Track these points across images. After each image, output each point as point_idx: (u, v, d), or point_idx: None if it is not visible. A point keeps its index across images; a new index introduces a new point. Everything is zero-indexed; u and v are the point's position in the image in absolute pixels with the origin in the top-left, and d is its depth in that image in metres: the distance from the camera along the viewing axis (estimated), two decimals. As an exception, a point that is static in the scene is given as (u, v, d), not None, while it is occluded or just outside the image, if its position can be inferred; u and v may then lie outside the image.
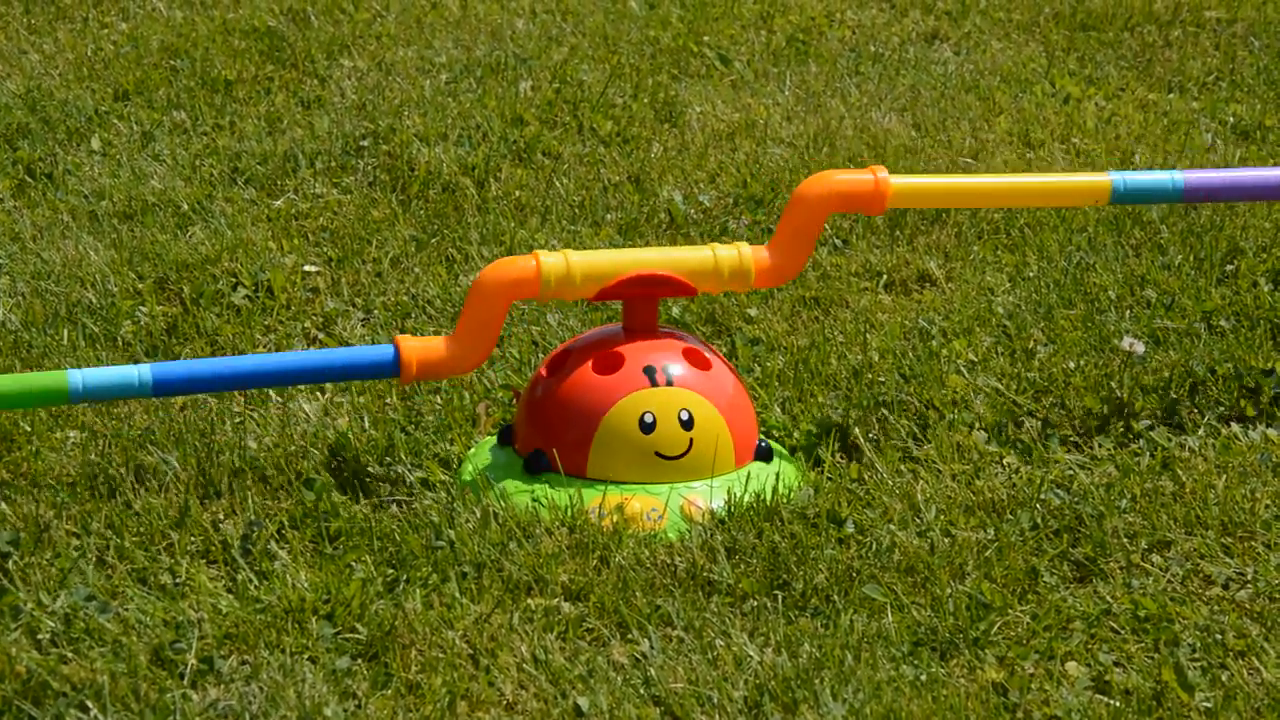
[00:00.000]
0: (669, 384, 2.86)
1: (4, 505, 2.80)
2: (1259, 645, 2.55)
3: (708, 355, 2.94)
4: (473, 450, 3.03)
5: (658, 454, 2.86)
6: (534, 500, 2.83)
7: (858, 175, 3.02)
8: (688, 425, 2.86)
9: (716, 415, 2.88)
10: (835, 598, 2.64)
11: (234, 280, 3.65)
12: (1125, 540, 2.79)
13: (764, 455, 2.95)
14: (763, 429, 3.10)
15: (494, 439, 3.02)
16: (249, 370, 2.89)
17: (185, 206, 4.03)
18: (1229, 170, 3.16)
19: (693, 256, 2.94)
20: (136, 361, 3.31)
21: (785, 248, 2.98)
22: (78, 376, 2.81)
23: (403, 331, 3.44)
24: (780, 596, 2.64)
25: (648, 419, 2.86)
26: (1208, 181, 3.14)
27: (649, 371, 2.87)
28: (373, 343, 3.39)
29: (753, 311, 3.56)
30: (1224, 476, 2.96)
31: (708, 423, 2.87)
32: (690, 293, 2.94)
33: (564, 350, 2.95)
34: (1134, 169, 4.38)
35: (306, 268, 3.71)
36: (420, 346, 2.92)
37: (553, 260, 2.90)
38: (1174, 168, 4.37)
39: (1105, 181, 3.13)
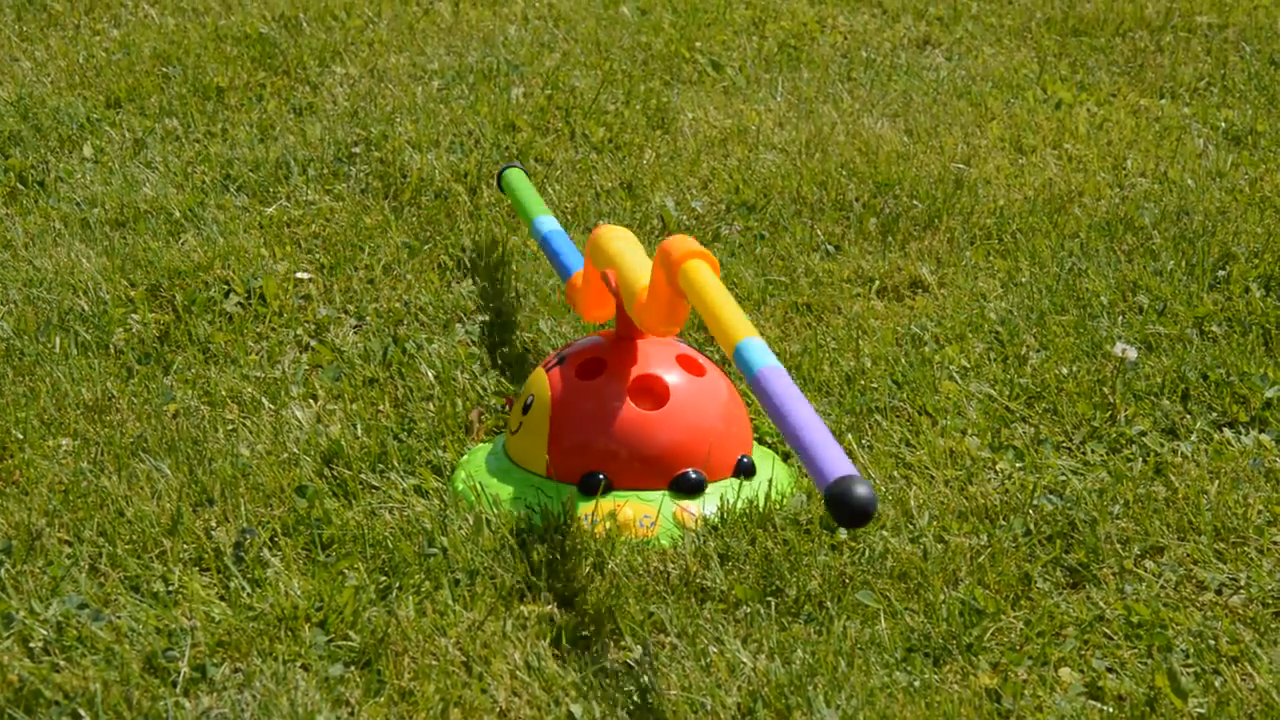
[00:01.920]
0: (548, 370, 2.96)
1: (-4, 513, 2.80)
2: (1252, 651, 2.55)
3: (610, 374, 2.90)
4: (466, 457, 3.03)
5: (506, 423, 3.04)
6: (527, 507, 2.83)
7: (678, 244, 2.73)
8: (525, 409, 2.95)
9: (545, 416, 2.91)
10: (828, 604, 2.64)
11: (226, 287, 3.64)
12: (1118, 546, 2.79)
13: (743, 471, 2.93)
14: (755, 434, 3.10)
15: (487, 446, 3.03)
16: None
17: (177, 214, 4.02)
18: (795, 401, 2.47)
19: (637, 269, 2.90)
20: (129, 368, 3.31)
21: (650, 295, 2.83)
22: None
23: (395, 340, 3.44)
24: (773, 603, 2.64)
25: (527, 394, 2.99)
26: (770, 388, 2.53)
27: (556, 356, 2.98)
28: (365, 349, 3.39)
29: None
30: (1216, 482, 2.96)
31: (536, 417, 2.93)
32: (620, 304, 2.93)
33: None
34: (1125, 175, 4.39)
35: (299, 275, 3.71)
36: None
37: (608, 229, 3.01)
38: (1165, 172, 4.37)
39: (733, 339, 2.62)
